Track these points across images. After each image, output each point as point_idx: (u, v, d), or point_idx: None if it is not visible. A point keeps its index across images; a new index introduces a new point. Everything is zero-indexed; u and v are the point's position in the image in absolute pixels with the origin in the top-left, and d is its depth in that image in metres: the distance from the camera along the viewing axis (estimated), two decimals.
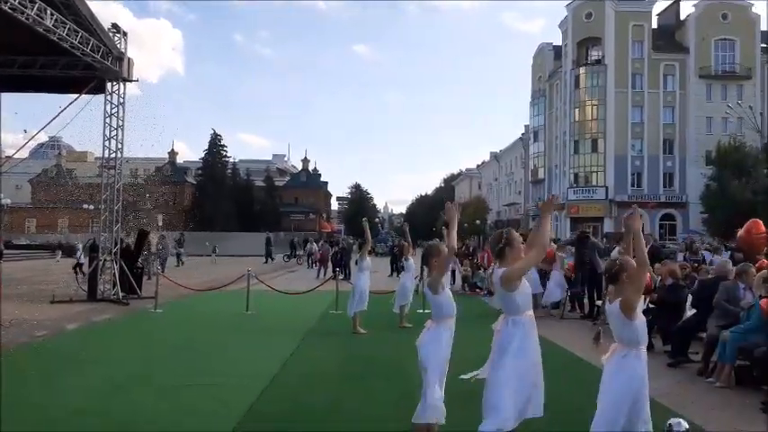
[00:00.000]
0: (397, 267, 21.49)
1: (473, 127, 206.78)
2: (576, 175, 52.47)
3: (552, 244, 14.15)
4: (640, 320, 3.51)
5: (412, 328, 10.19)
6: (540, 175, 60.65)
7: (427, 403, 4.12)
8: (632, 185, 50.87)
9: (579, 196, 51.58)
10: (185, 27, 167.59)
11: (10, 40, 13.17)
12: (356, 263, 11.50)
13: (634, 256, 3.59)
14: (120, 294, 13.52)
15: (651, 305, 8.53)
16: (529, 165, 63.80)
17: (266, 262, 32.98)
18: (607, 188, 50.39)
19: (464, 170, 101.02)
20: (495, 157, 79.50)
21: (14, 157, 21.50)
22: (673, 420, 2.39)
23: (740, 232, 11.05)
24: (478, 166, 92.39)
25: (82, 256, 19.68)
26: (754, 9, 50.99)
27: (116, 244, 13.98)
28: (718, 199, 38.12)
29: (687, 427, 2.36)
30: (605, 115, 50.79)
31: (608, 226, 47.53)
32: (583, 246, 12.41)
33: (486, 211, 73.23)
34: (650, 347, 8.37)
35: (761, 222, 10.62)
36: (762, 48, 50.34)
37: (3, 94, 16.36)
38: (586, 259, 11.97)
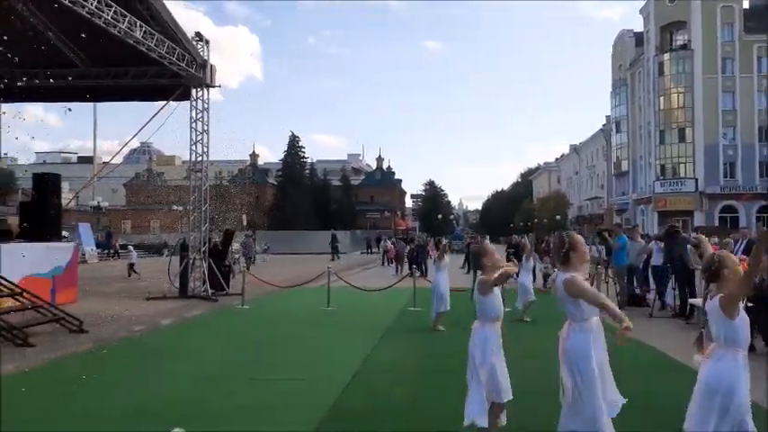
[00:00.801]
0: (471, 264, 21.28)
1: (551, 120, 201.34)
2: (662, 167, 49.96)
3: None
4: (742, 319, 3.29)
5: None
6: (624, 167, 58.24)
7: (470, 404, 4.10)
8: (725, 176, 47.89)
9: (667, 189, 49.10)
10: (262, 32, 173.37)
11: (104, 53, 14.09)
12: (434, 262, 11.53)
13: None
14: (209, 291, 14.16)
15: (750, 304, 8.00)
16: (611, 157, 61.41)
17: (333, 260, 33.15)
18: (697, 180, 47.67)
19: (542, 164, 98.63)
20: (575, 149, 77.05)
21: (111, 162, 23.03)
22: None
23: None
24: (557, 159, 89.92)
25: (135, 256, 21.65)
26: None
27: (204, 243, 14.66)
28: None
29: None
30: (693, 103, 48.07)
31: (698, 219, 44.99)
32: (672, 241, 11.82)
33: (567, 206, 71.13)
34: (751, 348, 7.90)
35: None
36: None
37: (98, 104, 17.52)
38: (676, 255, 11.39)
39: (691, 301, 10.58)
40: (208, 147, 14.81)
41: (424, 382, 6.51)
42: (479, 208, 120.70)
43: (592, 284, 12.95)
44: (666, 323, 10.75)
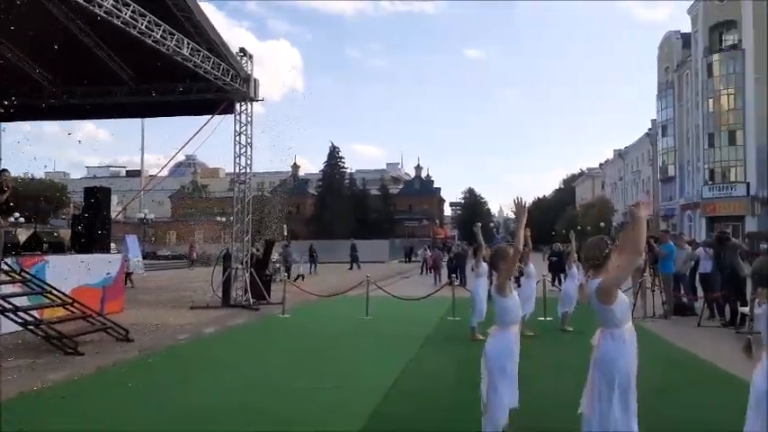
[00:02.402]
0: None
1: (594, 125, 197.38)
2: (711, 171, 48.30)
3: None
4: None
5: (534, 335, 9.94)
6: (671, 172, 56.60)
7: (488, 414, 4.04)
8: None
9: (716, 194, 47.44)
10: (303, 46, 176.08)
11: (153, 70, 14.56)
12: (472, 269, 11.42)
13: None
14: (251, 300, 14.39)
15: None
16: (657, 161, 59.77)
17: (350, 268, 32.83)
18: (748, 184, 45.88)
19: (585, 170, 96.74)
20: (620, 154, 75.34)
21: (158, 175, 23.76)
22: None
23: None
24: (601, 164, 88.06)
25: (134, 265, 21.84)
26: None
27: (247, 253, 14.92)
28: None
29: None
30: (744, 104, 46.38)
31: (750, 225, 43.31)
32: (723, 248, 11.42)
33: (611, 212, 69.52)
34: None
35: None
36: None
37: (145, 119, 18.11)
38: (727, 262, 11.01)
39: (741, 309, 10.19)
40: (251, 159, 15.10)
41: (463, 390, 6.45)
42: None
43: (636, 294, 12.64)
44: (716, 333, 10.37)
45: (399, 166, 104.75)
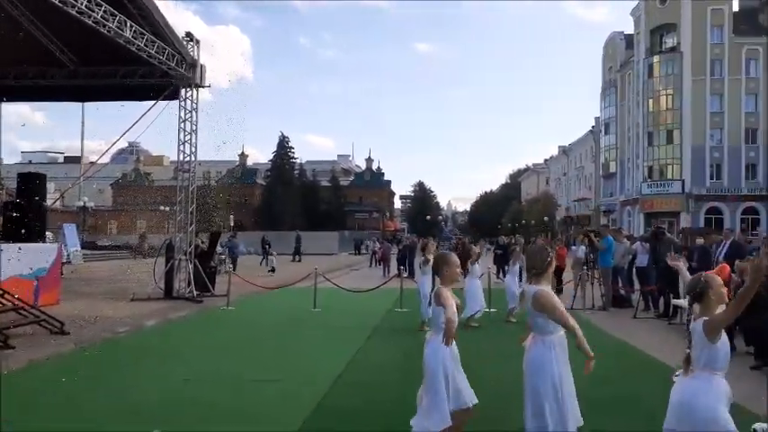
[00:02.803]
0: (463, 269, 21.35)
1: (539, 121, 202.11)
2: (650, 169, 50.30)
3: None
4: (723, 343, 3.25)
5: (479, 327, 10.12)
6: (612, 168, 58.60)
7: (420, 416, 4.06)
8: (711, 178, 48.27)
9: (654, 190, 49.45)
10: (253, 33, 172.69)
11: (93, 53, 13.98)
12: (420, 266, 11.50)
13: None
14: (195, 292, 14.08)
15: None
16: (600, 158, 61.76)
17: (293, 260, 32.52)
18: (683, 181, 48.04)
19: (530, 165, 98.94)
20: (564, 150, 77.40)
21: (98, 162, 22.87)
22: (757, 426, 2.25)
23: None
24: (546, 160, 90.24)
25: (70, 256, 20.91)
26: None
27: (190, 244, 14.57)
28: None
29: None
30: (681, 105, 48.42)
31: (684, 221, 45.36)
32: (658, 242, 11.91)
33: (555, 207, 71.44)
34: (733, 348, 7.96)
35: None
36: None
37: (86, 103, 17.40)
38: (662, 257, 11.47)
39: (674, 302, 10.66)
40: (196, 147, 14.73)
41: (410, 382, 6.49)
42: (468, 209, 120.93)
43: (577, 286, 13.07)
44: (650, 324, 10.82)
45: (350, 158, 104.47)
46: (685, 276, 3.78)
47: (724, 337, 3.26)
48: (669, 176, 49.11)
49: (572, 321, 3.76)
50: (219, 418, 5.19)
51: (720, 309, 3.28)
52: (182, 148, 14.61)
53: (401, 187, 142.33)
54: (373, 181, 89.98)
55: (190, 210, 14.66)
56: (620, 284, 13.26)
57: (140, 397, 5.78)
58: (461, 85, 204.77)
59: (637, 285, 13.20)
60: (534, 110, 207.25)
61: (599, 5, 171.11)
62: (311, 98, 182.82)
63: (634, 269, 13.48)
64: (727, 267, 8.29)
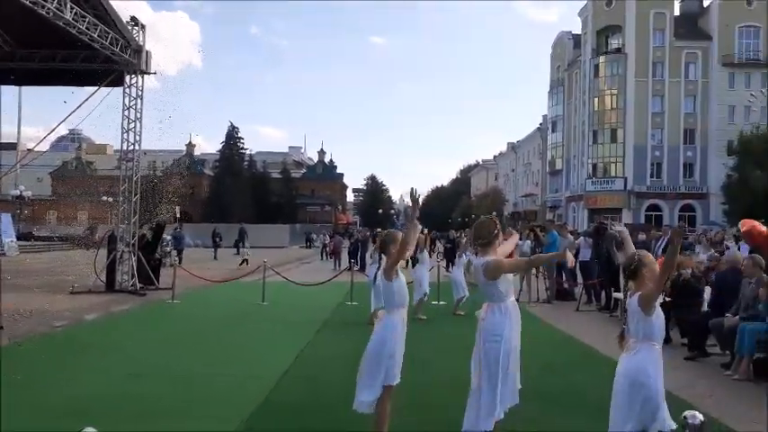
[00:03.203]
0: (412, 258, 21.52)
1: (490, 118, 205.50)
2: (594, 166, 51.89)
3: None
4: (658, 316, 3.47)
5: (427, 320, 10.21)
6: (558, 165, 60.11)
7: (360, 388, 4.16)
8: (651, 176, 50.20)
9: (597, 187, 51.04)
10: (202, 20, 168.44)
11: (31, 35, 13.34)
12: (371, 255, 11.59)
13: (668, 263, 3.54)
14: (138, 285, 13.69)
15: (668, 298, 8.43)
16: (546, 155, 63.23)
17: (237, 253, 30.39)
18: (626, 179, 49.78)
19: (480, 161, 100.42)
20: (513, 147, 78.89)
21: (35, 149, 21.86)
22: (688, 413, 2.35)
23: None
24: (495, 156, 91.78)
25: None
26: None
27: (134, 236, 14.15)
28: (740, 189, 37.49)
29: (702, 419, 2.32)
30: (625, 105, 50.10)
31: (626, 217, 47.00)
32: (600, 238, 12.30)
33: (503, 202, 72.80)
34: (668, 341, 8.32)
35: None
36: None
37: (23, 87, 16.59)
38: (603, 251, 11.86)
39: (615, 295, 11.04)
40: (140, 135, 14.31)
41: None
42: (420, 203, 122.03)
43: (522, 280, 13.38)
44: (592, 316, 11.18)
45: (302, 150, 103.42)
46: (629, 244, 3.89)
47: (658, 309, 3.48)
48: (612, 174, 50.79)
49: (523, 261, 4.10)
50: (162, 413, 5.07)
51: (655, 290, 3.47)
52: (125, 136, 14.19)
53: (354, 180, 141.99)
54: (325, 174, 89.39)
55: (134, 200, 14.25)
56: (564, 278, 13.64)
57: (77, 392, 5.58)
58: (415, 81, 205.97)
59: (580, 279, 13.61)
60: (485, 106, 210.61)
61: (549, 6, 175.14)
62: (263, 88, 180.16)
63: (577, 263, 13.87)
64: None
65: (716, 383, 6.33)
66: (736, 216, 35.78)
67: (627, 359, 3.49)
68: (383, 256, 4.33)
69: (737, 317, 6.81)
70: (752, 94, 41.85)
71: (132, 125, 14.17)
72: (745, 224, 8.98)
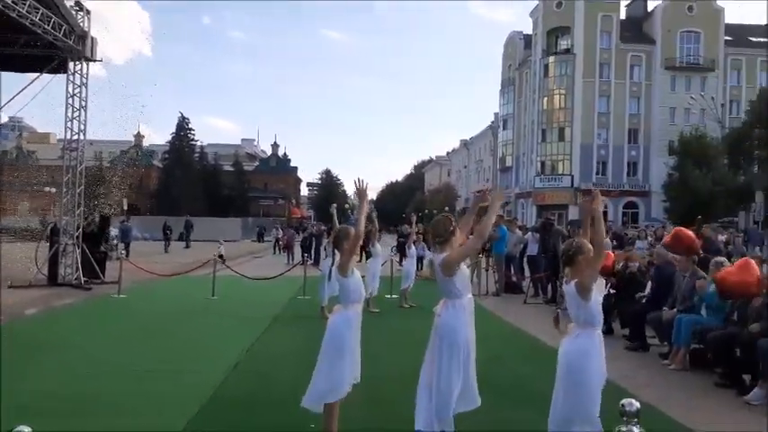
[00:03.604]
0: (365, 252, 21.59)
1: (445, 114, 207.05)
2: (542, 164, 53.15)
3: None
4: (596, 301, 3.57)
5: (380, 312, 10.28)
6: (508, 162, 61.25)
7: (313, 387, 4.16)
8: (597, 174, 51.77)
9: (546, 184, 52.30)
10: (153, 8, 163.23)
11: None
12: (325, 248, 11.59)
13: (591, 240, 3.65)
14: (83, 279, 13.27)
15: (612, 290, 8.76)
16: (497, 152, 64.34)
17: (187, 247, 30.79)
18: (572, 176, 51.18)
19: (434, 157, 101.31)
20: (465, 144, 79.92)
21: None
22: (625, 401, 2.46)
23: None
24: (448, 153, 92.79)
25: None
26: (718, 2, 52.13)
27: (78, 227, 13.70)
28: (680, 188, 39.13)
29: (639, 407, 2.44)
30: (572, 104, 51.46)
31: (573, 213, 48.38)
32: (547, 233, 12.66)
33: (455, 198, 73.75)
34: (610, 332, 8.64)
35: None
36: (725, 40, 51.52)
37: None
38: (550, 246, 12.22)
39: (561, 288, 11.38)
40: (85, 124, 13.90)
41: (308, 371, 6.50)
42: (374, 198, 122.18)
43: (473, 273, 13.63)
44: (539, 309, 11.50)
45: (255, 143, 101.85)
46: (599, 218, 3.76)
47: (596, 295, 3.57)
48: (560, 171, 52.15)
49: (471, 241, 4.00)
50: (105, 410, 4.95)
51: (592, 276, 3.56)
52: (69, 125, 13.73)
53: (308, 174, 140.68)
54: (279, 167, 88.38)
55: (78, 191, 13.79)
56: (513, 272, 13.98)
57: (14, 390, 5.37)
58: (369, 75, 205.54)
59: (527, 273, 13.97)
60: (440, 104, 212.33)
61: (501, 6, 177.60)
62: (215, 80, 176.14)
63: (525, 258, 14.24)
64: (612, 255, 8.97)
65: (654, 373, 6.62)
66: (677, 213, 37.43)
67: (568, 342, 3.59)
68: (337, 251, 4.34)
69: (674, 309, 7.14)
70: (692, 97, 43.66)
71: (77, 114, 13.73)
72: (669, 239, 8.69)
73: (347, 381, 4.13)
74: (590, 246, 3.63)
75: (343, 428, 4.24)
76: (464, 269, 3.98)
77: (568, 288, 3.60)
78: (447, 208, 68.68)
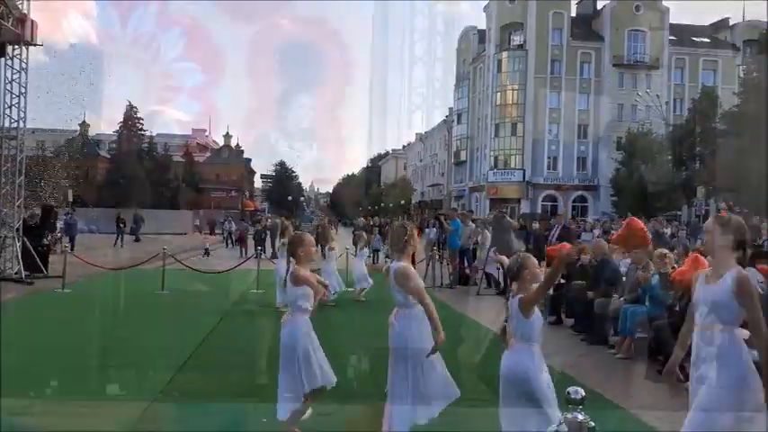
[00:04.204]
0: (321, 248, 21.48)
1: (401, 108, 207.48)
2: (496, 158, 53.98)
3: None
4: (536, 318, 3.57)
5: (335, 306, 10.25)
6: (463, 157, 61.92)
7: (280, 400, 4.11)
8: (548, 168, 52.93)
9: (499, 178, 53.16)
10: None
11: None
12: (282, 244, 11.41)
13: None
14: (24, 273, 12.75)
15: (562, 281, 8.96)
16: (452, 147, 64.97)
17: (137, 240, 29.91)
18: (524, 171, 52.18)
19: (391, 151, 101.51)
20: (421, 138, 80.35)
21: None
22: (571, 389, 2.51)
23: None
24: (404, 147, 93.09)
25: None
26: (664, 2, 53.90)
27: (18, 219, 13.14)
28: (627, 183, 40.46)
29: (584, 394, 2.49)
30: (525, 100, 52.38)
31: (524, 207, 49.38)
32: (499, 225, 12.87)
33: (411, 191, 74.18)
34: (559, 322, 8.85)
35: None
36: (669, 39, 53.36)
37: None
38: (504, 241, 12.42)
39: None
40: (25, 112, 13.30)
41: (261, 364, 6.43)
42: (330, 191, 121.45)
43: (428, 265, 13.74)
44: (491, 300, 11.69)
45: (207, 134, 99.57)
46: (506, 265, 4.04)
47: (537, 312, 3.58)
48: (512, 166, 53.08)
49: (428, 299, 3.93)
50: (56, 409, 4.77)
51: (534, 287, 3.59)
52: (8, 112, 13.14)
53: (262, 166, 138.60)
54: (231, 158, 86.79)
55: (18, 182, 13.21)
56: (466, 264, 14.15)
57: None
58: (326, 68, 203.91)
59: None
60: (397, 98, 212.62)
61: (458, 2, 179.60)
62: (164, 68, 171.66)
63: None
64: (567, 245, 9.15)
65: (601, 362, 6.82)
66: (624, 207, 38.68)
67: (506, 356, 3.60)
68: (292, 259, 4.26)
69: (621, 299, 7.37)
70: (638, 94, 45.12)
71: (15, 100, 13.13)
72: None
73: (303, 390, 4.05)
74: (534, 260, 3.69)
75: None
76: (419, 281, 4.00)
77: (512, 303, 3.60)
78: (403, 202, 69.20)
